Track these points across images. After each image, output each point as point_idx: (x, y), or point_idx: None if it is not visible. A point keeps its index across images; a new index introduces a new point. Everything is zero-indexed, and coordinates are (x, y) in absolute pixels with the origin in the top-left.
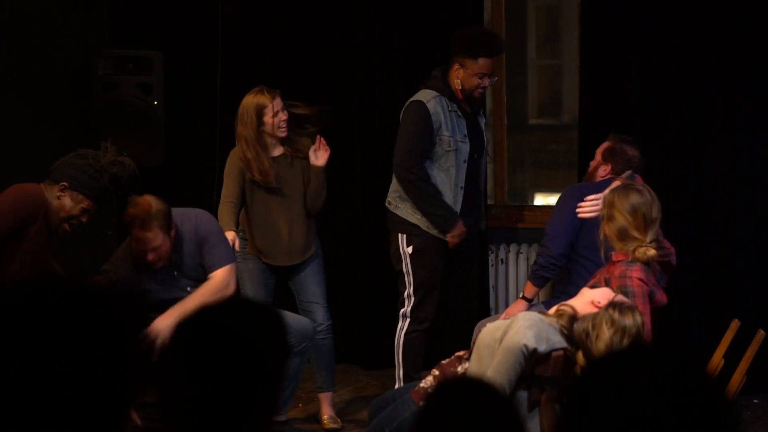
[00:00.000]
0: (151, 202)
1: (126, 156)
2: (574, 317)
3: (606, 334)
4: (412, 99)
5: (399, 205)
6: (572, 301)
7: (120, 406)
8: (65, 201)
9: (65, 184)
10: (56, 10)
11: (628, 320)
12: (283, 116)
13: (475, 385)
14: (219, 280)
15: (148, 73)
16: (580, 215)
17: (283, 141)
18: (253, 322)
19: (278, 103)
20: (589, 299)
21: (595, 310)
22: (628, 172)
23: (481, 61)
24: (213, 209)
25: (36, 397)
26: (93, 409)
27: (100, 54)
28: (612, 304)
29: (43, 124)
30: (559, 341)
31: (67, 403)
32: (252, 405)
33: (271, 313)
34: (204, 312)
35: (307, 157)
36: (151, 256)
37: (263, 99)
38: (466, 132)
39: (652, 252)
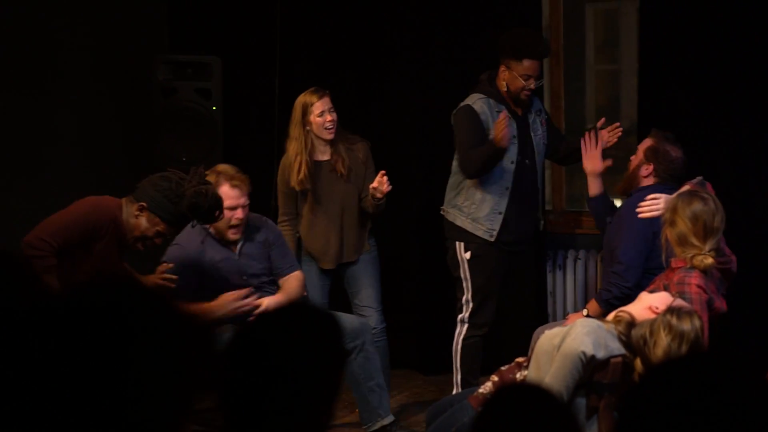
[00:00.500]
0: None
1: (212, 186)
2: (632, 323)
3: (664, 340)
4: (460, 105)
5: (451, 211)
6: (630, 307)
7: (180, 411)
8: (141, 221)
9: (144, 204)
10: (117, 17)
11: (686, 325)
12: (329, 117)
13: (533, 391)
14: (302, 281)
15: (206, 78)
16: (640, 215)
17: (332, 144)
18: (310, 327)
19: (325, 102)
20: (647, 305)
21: (653, 315)
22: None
23: (526, 62)
24: (271, 215)
25: (95, 402)
26: (154, 413)
27: (160, 60)
28: (670, 310)
29: (103, 129)
30: (617, 347)
31: (128, 407)
32: (308, 410)
33: (327, 318)
34: (262, 317)
35: (360, 162)
36: (240, 213)
37: (310, 97)
38: (515, 133)
39: (709, 260)
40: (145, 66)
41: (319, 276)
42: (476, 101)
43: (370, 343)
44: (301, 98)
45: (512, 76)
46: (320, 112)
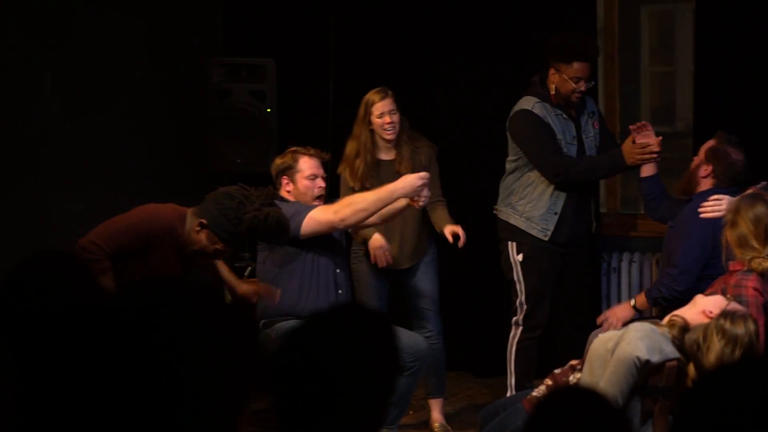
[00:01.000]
0: None
1: (279, 210)
2: (685, 328)
3: (717, 345)
4: (515, 109)
5: (504, 210)
6: (684, 310)
7: (233, 412)
8: (201, 237)
9: (204, 221)
10: (172, 19)
11: (740, 330)
12: (388, 118)
13: (586, 394)
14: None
15: (261, 80)
16: (702, 215)
17: (396, 145)
18: (362, 328)
19: (387, 104)
20: (701, 308)
21: (707, 320)
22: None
23: (576, 65)
24: None
25: (149, 401)
26: (205, 414)
27: (215, 62)
28: (723, 314)
29: (158, 131)
30: (671, 351)
31: (179, 407)
32: (361, 411)
33: (380, 320)
34: (316, 318)
35: (422, 165)
36: (321, 182)
37: (373, 97)
38: (575, 134)
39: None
40: (200, 68)
41: (377, 276)
42: (534, 105)
43: (422, 370)
44: (366, 96)
45: (562, 79)
46: (380, 113)
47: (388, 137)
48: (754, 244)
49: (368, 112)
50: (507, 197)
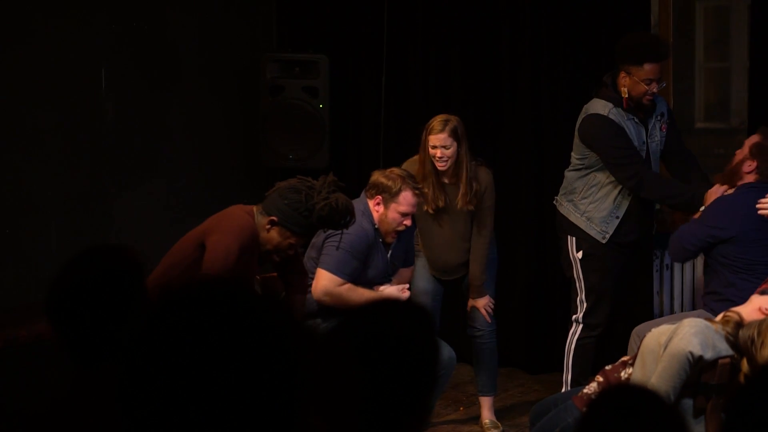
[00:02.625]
0: None
1: (339, 193)
2: (740, 324)
3: None
4: (588, 112)
5: (566, 205)
6: (740, 308)
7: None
8: (273, 235)
9: (274, 219)
10: (226, 16)
11: None
12: (439, 153)
13: (639, 391)
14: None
15: (314, 76)
16: (760, 212)
17: (452, 175)
18: (404, 321)
19: (441, 138)
20: (756, 306)
21: (762, 316)
22: None
23: (647, 66)
24: None
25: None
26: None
27: (268, 58)
28: None
29: (212, 127)
30: (725, 348)
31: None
32: (406, 404)
33: (421, 313)
34: (359, 312)
35: (478, 196)
36: (409, 221)
37: (433, 124)
38: (644, 139)
39: None
40: (253, 64)
41: (428, 278)
42: (609, 112)
43: (445, 380)
44: (429, 122)
45: (633, 82)
46: (434, 145)
47: (440, 168)
48: None
49: (426, 139)
50: (569, 193)
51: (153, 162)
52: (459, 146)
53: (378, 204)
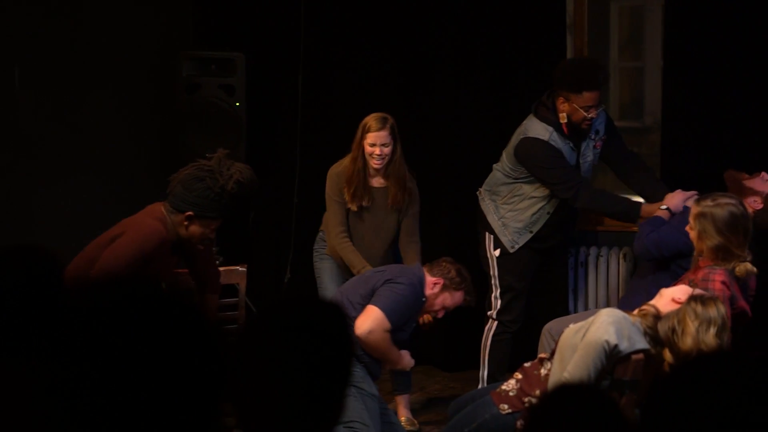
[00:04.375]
0: None
1: (238, 163)
2: (657, 316)
3: (691, 327)
4: (528, 134)
5: (487, 202)
6: (653, 302)
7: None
8: (194, 229)
9: (191, 214)
10: (141, 12)
11: (712, 311)
12: (378, 150)
13: (579, 389)
14: None
15: (230, 74)
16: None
17: (385, 175)
18: (316, 319)
19: (382, 136)
20: (669, 297)
21: (677, 306)
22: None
23: (586, 94)
24: (293, 212)
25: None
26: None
27: (184, 55)
28: (693, 298)
29: (127, 125)
30: (640, 341)
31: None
32: (318, 402)
33: (333, 311)
34: (270, 309)
35: (408, 198)
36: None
37: (370, 123)
38: (574, 162)
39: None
40: (169, 62)
41: (342, 271)
42: (549, 139)
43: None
44: (365, 120)
45: (573, 108)
46: (372, 143)
47: (375, 166)
48: (737, 251)
49: (363, 137)
50: (493, 192)
51: (69, 160)
52: (395, 145)
53: (436, 284)
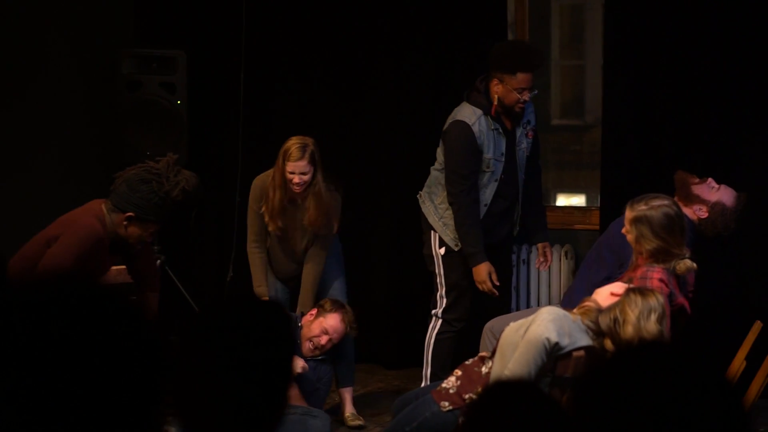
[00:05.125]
0: None
1: (185, 171)
2: (598, 310)
3: (632, 316)
4: (456, 117)
5: (427, 204)
6: (593, 298)
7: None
8: (133, 230)
9: (131, 214)
10: (82, 10)
11: (652, 300)
12: (297, 179)
13: (518, 387)
14: None
15: (171, 72)
16: None
17: (304, 197)
18: (257, 317)
19: (301, 166)
20: (608, 292)
21: (616, 299)
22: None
23: (520, 75)
24: (235, 210)
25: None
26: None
27: (125, 53)
28: (632, 289)
29: (67, 122)
30: (581, 338)
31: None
32: (260, 399)
33: (274, 309)
34: (210, 309)
35: (319, 226)
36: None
37: (291, 150)
38: (503, 150)
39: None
40: (110, 60)
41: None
42: (474, 122)
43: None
44: (286, 145)
45: (506, 90)
46: (291, 170)
47: (296, 191)
48: (676, 251)
49: (284, 163)
50: (432, 193)
51: (9, 158)
52: (315, 171)
53: (312, 315)
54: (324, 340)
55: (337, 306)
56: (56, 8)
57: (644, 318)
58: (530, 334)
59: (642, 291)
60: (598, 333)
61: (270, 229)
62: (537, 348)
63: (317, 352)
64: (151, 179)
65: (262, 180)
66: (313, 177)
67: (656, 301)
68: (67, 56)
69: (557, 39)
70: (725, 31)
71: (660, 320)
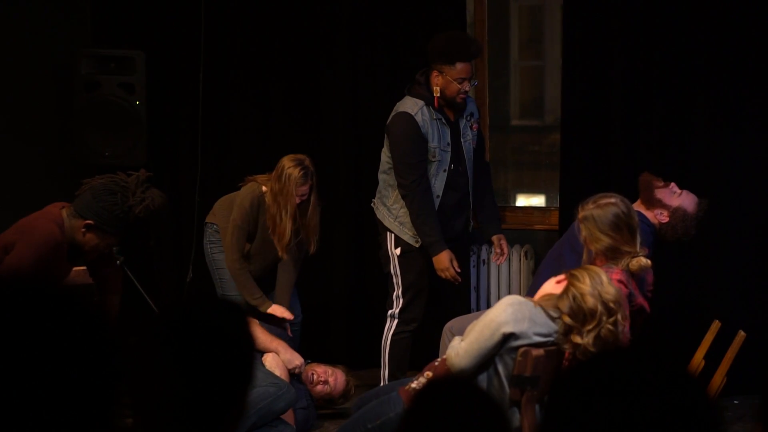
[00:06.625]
0: None
1: (154, 189)
2: (556, 297)
3: (585, 288)
4: (398, 110)
5: (381, 209)
6: (544, 289)
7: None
8: (90, 238)
9: (91, 223)
10: (39, 10)
11: (591, 270)
12: (299, 199)
13: (462, 385)
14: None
15: (130, 72)
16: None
17: (302, 215)
18: (215, 318)
19: (306, 188)
20: (552, 283)
21: (564, 284)
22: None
23: (459, 65)
24: (195, 210)
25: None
26: (79, 410)
27: (83, 53)
28: (570, 273)
29: (25, 123)
30: (544, 324)
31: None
32: (218, 401)
33: (232, 309)
34: (169, 310)
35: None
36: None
37: (295, 174)
38: (449, 140)
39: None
40: (67, 60)
41: None
42: (417, 112)
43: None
44: (288, 170)
45: (446, 81)
46: (302, 193)
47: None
48: (627, 249)
49: (291, 189)
50: (384, 197)
51: None
52: (313, 184)
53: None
54: (323, 378)
55: (347, 372)
56: (13, 8)
57: (598, 284)
58: (486, 317)
59: (581, 268)
60: (559, 317)
61: (279, 254)
62: (490, 329)
63: (312, 388)
64: (118, 191)
65: (257, 199)
66: (311, 190)
67: (594, 270)
68: (25, 56)
69: (516, 40)
70: (683, 32)
71: (610, 282)
